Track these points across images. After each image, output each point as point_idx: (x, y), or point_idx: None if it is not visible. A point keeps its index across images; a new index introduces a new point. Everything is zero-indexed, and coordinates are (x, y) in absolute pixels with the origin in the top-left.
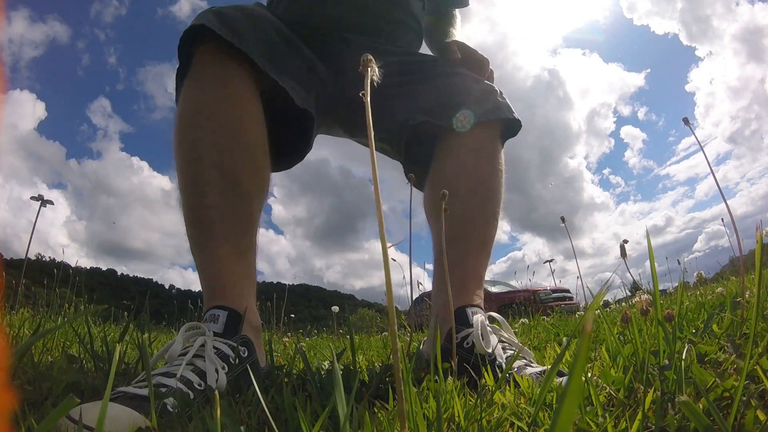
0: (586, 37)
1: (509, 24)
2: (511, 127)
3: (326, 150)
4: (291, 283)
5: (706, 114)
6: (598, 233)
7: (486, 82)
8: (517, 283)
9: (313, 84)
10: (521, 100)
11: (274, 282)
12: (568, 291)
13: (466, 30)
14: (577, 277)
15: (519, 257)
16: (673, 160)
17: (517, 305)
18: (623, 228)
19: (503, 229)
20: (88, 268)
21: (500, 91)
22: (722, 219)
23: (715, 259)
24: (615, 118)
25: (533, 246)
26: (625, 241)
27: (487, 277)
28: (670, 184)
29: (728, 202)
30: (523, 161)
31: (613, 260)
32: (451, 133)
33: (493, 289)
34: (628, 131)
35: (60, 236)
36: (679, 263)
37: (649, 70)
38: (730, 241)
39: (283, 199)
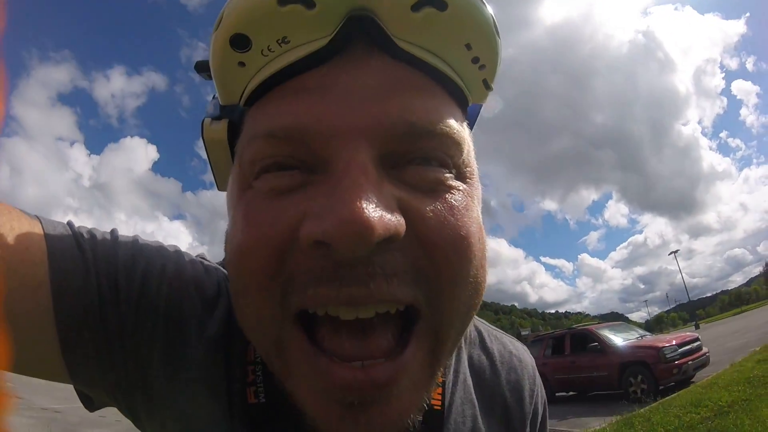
0: None
1: None
2: None
3: None
4: None
5: None
6: (723, 205)
7: None
8: (638, 335)
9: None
10: (620, 71)
11: None
12: (695, 340)
13: (546, 9)
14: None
15: (641, 241)
16: None
17: (640, 368)
18: (749, 196)
19: (621, 212)
20: None
21: None
22: None
23: None
24: (723, 74)
25: (655, 227)
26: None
27: (608, 291)
28: None
29: None
30: (635, 138)
31: (742, 234)
32: None
33: (616, 339)
34: (739, 86)
35: None
36: None
37: (748, 14)
38: None
39: None
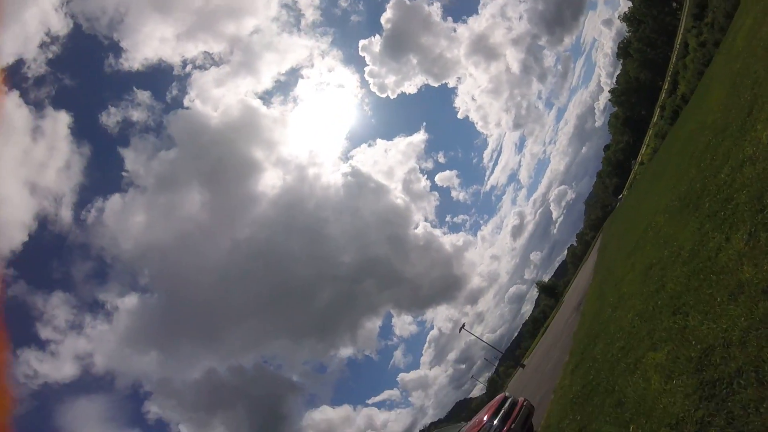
0: (363, 131)
1: (299, 156)
2: None
3: (207, 360)
4: None
5: (486, 123)
6: (480, 266)
7: None
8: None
9: None
10: (345, 211)
11: None
12: (504, 401)
13: (265, 183)
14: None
15: (437, 335)
16: (488, 173)
17: None
18: (494, 248)
19: (406, 321)
20: None
21: None
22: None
23: (575, 214)
24: (425, 176)
25: (441, 316)
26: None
27: (441, 389)
28: (499, 192)
29: (548, 168)
30: (381, 257)
31: (506, 276)
32: None
33: None
34: (441, 177)
35: None
36: None
37: (424, 123)
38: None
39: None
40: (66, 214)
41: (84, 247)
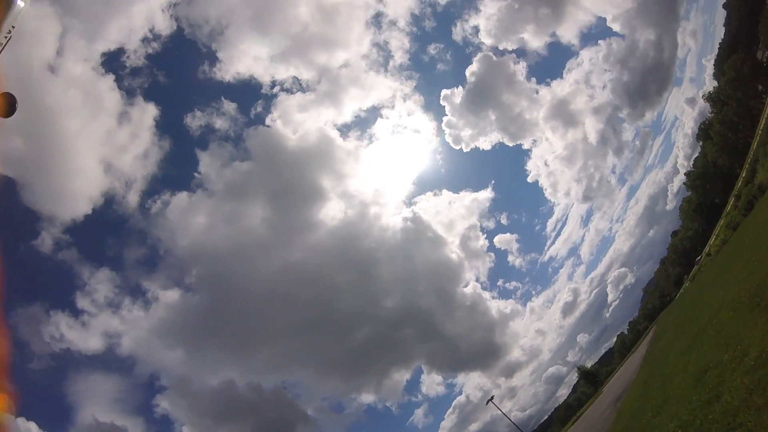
0: (431, 179)
1: (364, 193)
2: None
3: (228, 370)
4: None
5: (555, 191)
6: (523, 338)
7: None
8: None
9: None
10: (398, 256)
11: None
12: None
13: (326, 212)
14: None
15: (464, 401)
16: (549, 243)
17: None
18: (541, 322)
19: (436, 381)
20: None
21: None
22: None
23: (631, 299)
24: (485, 235)
25: (472, 383)
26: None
27: None
28: (557, 264)
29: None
30: (425, 309)
31: (549, 354)
32: None
33: None
34: (501, 239)
35: None
36: None
37: (493, 182)
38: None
39: None
40: (133, 198)
41: (141, 234)
